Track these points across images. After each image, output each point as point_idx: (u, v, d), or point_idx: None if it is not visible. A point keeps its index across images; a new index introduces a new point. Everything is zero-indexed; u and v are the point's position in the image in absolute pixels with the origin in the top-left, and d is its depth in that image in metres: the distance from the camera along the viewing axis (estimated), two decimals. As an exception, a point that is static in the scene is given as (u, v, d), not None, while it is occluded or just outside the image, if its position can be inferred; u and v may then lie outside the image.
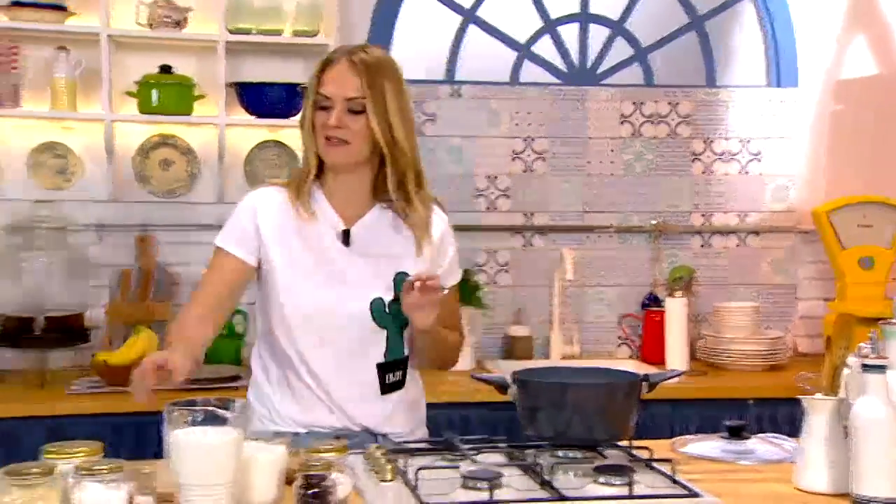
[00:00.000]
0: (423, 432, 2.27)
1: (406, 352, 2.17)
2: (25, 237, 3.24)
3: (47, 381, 3.04)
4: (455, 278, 2.27)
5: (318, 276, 2.08)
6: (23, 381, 3.07)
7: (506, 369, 3.27)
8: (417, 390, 2.27)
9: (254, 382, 2.21)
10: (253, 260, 2.09)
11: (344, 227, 2.10)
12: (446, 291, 2.14)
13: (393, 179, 2.09)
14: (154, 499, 1.64)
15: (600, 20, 3.77)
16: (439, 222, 2.20)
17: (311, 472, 1.68)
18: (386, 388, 2.14)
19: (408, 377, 2.20)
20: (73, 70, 3.20)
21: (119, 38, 3.26)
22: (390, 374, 2.14)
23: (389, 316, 2.10)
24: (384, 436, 2.16)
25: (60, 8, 3.15)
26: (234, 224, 2.11)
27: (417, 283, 1.96)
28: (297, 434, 2.07)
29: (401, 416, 2.19)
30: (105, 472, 1.60)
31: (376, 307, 2.09)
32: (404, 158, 2.08)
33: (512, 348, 3.64)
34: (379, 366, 2.12)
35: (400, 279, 2.07)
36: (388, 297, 2.09)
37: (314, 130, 2.07)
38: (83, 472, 1.61)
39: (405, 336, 2.15)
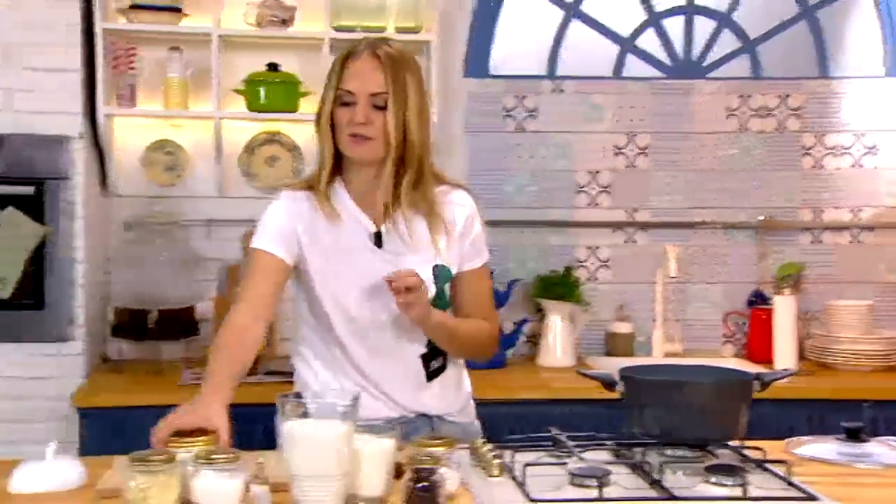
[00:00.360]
0: (471, 408, 2.28)
1: None
2: (139, 233, 3.35)
3: (160, 371, 3.14)
4: (480, 259, 2.20)
5: (355, 277, 2.06)
6: (138, 372, 3.18)
7: (607, 366, 3.25)
8: (457, 370, 2.24)
9: (300, 381, 2.20)
10: (290, 259, 2.06)
11: (374, 230, 2.07)
12: (458, 273, 2.13)
13: (392, 175, 2.04)
14: (268, 489, 1.67)
15: (707, 12, 3.69)
16: (462, 208, 2.15)
17: (421, 467, 1.69)
18: (430, 376, 2.15)
19: (448, 359, 2.19)
20: (185, 69, 3.30)
21: (228, 38, 3.34)
22: (433, 362, 2.14)
23: (435, 306, 2.08)
24: (439, 417, 2.18)
25: (175, 10, 3.25)
26: (270, 226, 2.07)
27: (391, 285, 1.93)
28: None
29: (449, 396, 2.20)
30: (222, 461, 1.65)
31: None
32: (411, 159, 2.03)
33: (613, 345, 3.61)
34: (422, 356, 2.12)
35: (441, 272, 2.08)
36: (429, 292, 2.04)
37: (333, 126, 2.02)
38: (201, 461, 1.65)
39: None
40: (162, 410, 2.85)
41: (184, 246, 3.33)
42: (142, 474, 1.61)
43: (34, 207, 3.06)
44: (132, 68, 3.27)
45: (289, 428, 1.68)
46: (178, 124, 3.43)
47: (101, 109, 3.18)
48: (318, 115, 2.05)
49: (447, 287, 2.13)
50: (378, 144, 2.01)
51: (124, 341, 3.23)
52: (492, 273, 3.25)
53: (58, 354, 3.09)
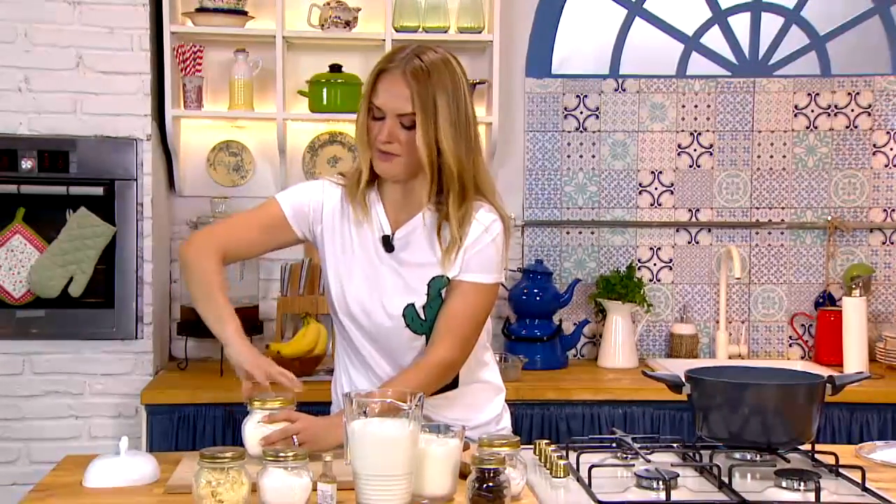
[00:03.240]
0: (490, 429, 2.14)
1: None
2: (204, 232, 3.40)
3: (225, 369, 3.18)
4: (482, 276, 2.05)
5: (362, 278, 2.05)
6: (202, 370, 3.23)
7: (669, 368, 3.22)
8: (478, 392, 2.15)
9: (334, 380, 2.23)
10: (299, 233, 2.07)
11: (385, 233, 2.05)
12: (458, 281, 2.03)
13: (433, 191, 2.00)
14: (334, 487, 1.68)
15: (774, 8, 3.63)
16: (479, 224, 2.03)
17: (486, 467, 1.69)
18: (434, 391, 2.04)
19: (464, 378, 2.09)
20: (251, 71, 3.34)
21: (292, 40, 3.37)
22: None
23: (426, 322, 2.04)
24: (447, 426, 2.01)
25: (241, 12, 3.29)
26: (300, 192, 2.09)
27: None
28: None
29: (458, 411, 2.09)
30: (290, 459, 1.67)
31: (408, 314, 2.04)
32: (449, 174, 1.97)
33: (675, 346, 3.57)
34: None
35: (434, 283, 2.03)
36: (420, 303, 2.03)
37: (368, 137, 1.99)
38: (269, 459, 1.68)
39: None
40: (226, 408, 2.94)
41: (248, 246, 3.37)
42: (211, 471, 1.64)
43: (104, 208, 3.13)
44: (199, 70, 3.32)
45: (354, 427, 1.69)
46: (243, 125, 3.48)
47: (169, 111, 3.23)
48: (358, 125, 2.02)
49: (443, 293, 2.05)
50: (403, 162, 1.97)
51: (190, 339, 3.28)
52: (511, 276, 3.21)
53: (127, 352, 3.15)
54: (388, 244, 2.04)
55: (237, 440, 2.34)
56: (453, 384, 2.10)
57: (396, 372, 2.06)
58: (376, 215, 2.06)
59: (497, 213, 2.07)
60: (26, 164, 3.09)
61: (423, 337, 2.06)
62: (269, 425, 1.94)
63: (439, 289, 2.03)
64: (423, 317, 2.04)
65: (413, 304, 2.03)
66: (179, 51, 3.29)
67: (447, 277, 2.03)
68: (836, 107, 3.61)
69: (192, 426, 2.97)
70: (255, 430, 1.95)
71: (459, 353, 2.05)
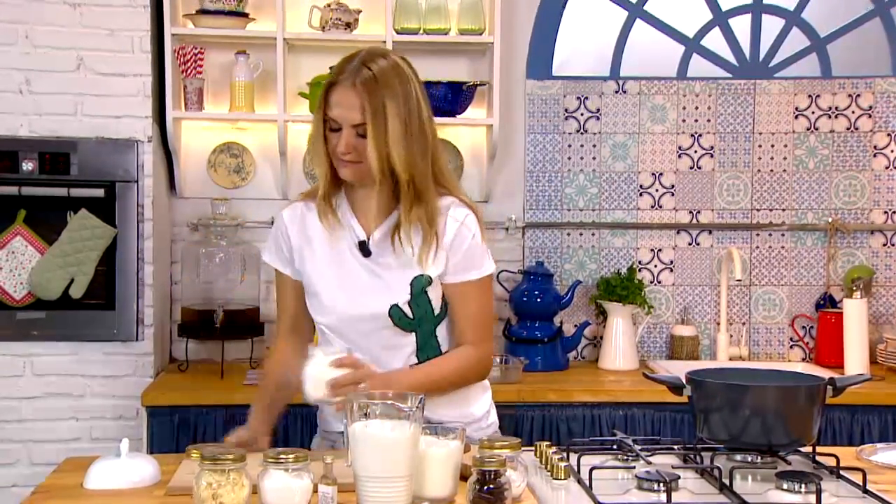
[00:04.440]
0: (477, 429, 2.17)
1: (444, 348, 2.13)
2: (205, 234, 3.40)
3: (225, 371, 3.18)
4: (477, 272, 2.12)
5: (341, 284, 2.09)
6: (203, 371, 3.23)
7: (670, 369, 3.22)
8: (468, 389, 2.18)
9: None
10: (293, 273, 2.17)
11: (360, 238, 2.09)
12: (450, 284, 2.09)
13: (392, 195, 2.06)
14: (335, 489, 1.68)
15: (775, 10, 3.63)
16: (455, 222, 2.09)
17: (486, 469, 1.69)
18: None
19: None
20: (252, 73, 3.34)
21: (293, 41, 3.38)
22: None
23: (414, 320, 2.08)
24: (440, 423, 1.98)
25: (242, 14, 3.30)
26: (273, 243, 2.19)
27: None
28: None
29: (442, 409, 2.09)
30: (290, 461, 1.67)
31: (394, 314, 2.07)
32: (403, 182, 2.02)
33: (676, 348, 3.57)
34: (411, 367, 2.10)
35: (417, 281, 2.07)
36: (403, 301, 2.06)
37: (327, 147, 2.04)
38: (269, 461, 1.67)
39: (440, 334, 2.12)
40: (227, 410, 2.94)
41: (248, 247, 3.37)
42: (212, 473, 1.64)
43: (105, 209, 3.13)
44: (200, 72, 3.32)
45: (355, 429, 1.69)
46: (244, 127, 3.48)
47: (170, 113, 3.24)
48: (311, 136, 2.08)
49: (434, 295, 2.09)
50: (366, 167, 2.01)
51: (191, 341, 3.28)
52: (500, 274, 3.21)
53: (127, 354, 3.15)
54: (364, 249, 2.09)
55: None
56: None
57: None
58: (348, 222, 2.11)
59: (466, 205, 2.13)
60: (27, 165, 3.10)
61: (413, 334, 2.09)
62: (334, 369, 1.94)
63: (422, 286, 2.07)
64: (410, 315, 2.07)
65: (397, 304, 2.06)
66: (180, 52, 3.29)
67: (429, 276, 2.07)
68: (836, 108, 3.61)
69: (192, 428, 2.97)
70: (321, 372, 1.93)
71: (491, 351, 2.19)
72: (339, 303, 2.09)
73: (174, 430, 2.96)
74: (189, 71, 3.30)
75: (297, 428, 2.90)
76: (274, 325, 3.34)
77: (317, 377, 1.93)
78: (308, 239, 2.13)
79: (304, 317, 2.19)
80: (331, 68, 3.29)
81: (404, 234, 2.05)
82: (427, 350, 2.11)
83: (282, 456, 1.67)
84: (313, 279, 2.12)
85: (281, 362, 2.18)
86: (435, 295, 2.10)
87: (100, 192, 3.12)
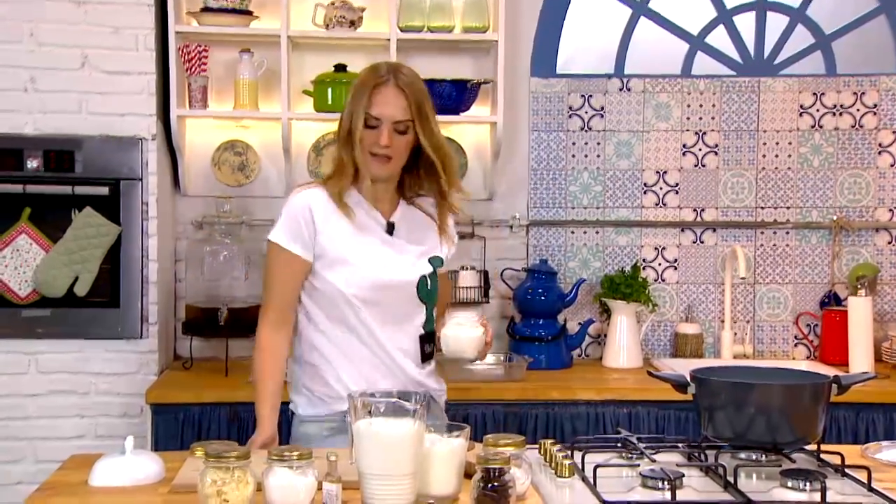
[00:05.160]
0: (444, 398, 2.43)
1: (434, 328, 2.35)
2: (209, 232, 3.40)
3: (229, 369, 3.18)
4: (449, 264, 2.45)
5: (374, 256, 2.25)
6: (208, 369, 3.24)
7: (674, 367, 3.21)
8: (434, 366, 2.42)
9: (304, 366, 2.31)
10: (311, 256, 2.24)
11: (386, 221, 2.28)
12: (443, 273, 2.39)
13: (438, 182, 2.29)
14: (340, 486, 1.68)
15: (779, 8, 3.62)
16: (453, 224, 2.40)
17: (491, 467, 1.69)
18: (424, 357, 2.30)
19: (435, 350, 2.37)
20: (256, 71, 3.34)
21: (297, 39, 3.38)
22: (427, 345, 2.31)
23: (429, 292, 2.29)
24: (433, 398, 2.32)
25: (245, 12, 3.30)
26: (292, 223, 2.24)
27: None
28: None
29: (436, 382, 2.36)
30: (294, 458, 1.67)
31: (422, 284, 2.27)
32: (450, 164, 2.29)
33: (680, 346, 3.56)
34: (421, 336, 2.29)
35: (434, 260, 2.31)
36: (428, 274, 2.29)
37: (356, 144, 2.22)
38: (274, 458, 1.68)
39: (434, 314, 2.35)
40: (231, 407, 2.94)
41: (252, 245, 3.37)
42: (216, 470, 1.64)
43: (110, 207, 3.13)
44: (204, 70, 3.32)
45: (359, 427, 1.69)
46: (248, 125, 3.48)
47: (174, 111, 3.24)
48: (343, 132, 2.26)
49: (437, 272, 2.34)
50: (395, 164, 2.25)
51: (195, 339, 3.29)
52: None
53: (132, 351, 3.16)
54: (391, 229, 2.28)
55: (242, 439, 2.36)
56: (433, 354, 2.34)
57: (399, 349, 2.26)
58: (362, 208, 2.27)
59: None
60: (32, 163, 3.10)
61: (425, 307, 2.29)
62: (481, 327, 2.23)
63: (437, 266, 2.32)
64: (429, 287, 2.29)
65: (425, 276, 2.28)
66: (184, 50, 3.29)
67: (441, 258, 2.33)
68: (841, 106, 3.60)
69: (197, 425, 2.98)
70: (475, 332, 2.21)
71: None
72: (374, 270, 2.23)
73: (178, 427, 2.96)
74: (193, 69, 3.30)
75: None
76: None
77: (479, 337, 2.22)
78: (333, 217, 2.24)
79: (294, 305, 2.28)
80: (335, 66, 3.35)
81: (425, 216, 2.32)
82: (430, 323, 2.31)
83: (286, 453, 1.67)
84: (344, 252, 2.23)
85: (278, 359, 2.28)
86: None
87: (104, 190, 3.13)
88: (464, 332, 2.24)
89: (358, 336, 2.24)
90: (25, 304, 3.12)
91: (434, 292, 2.31)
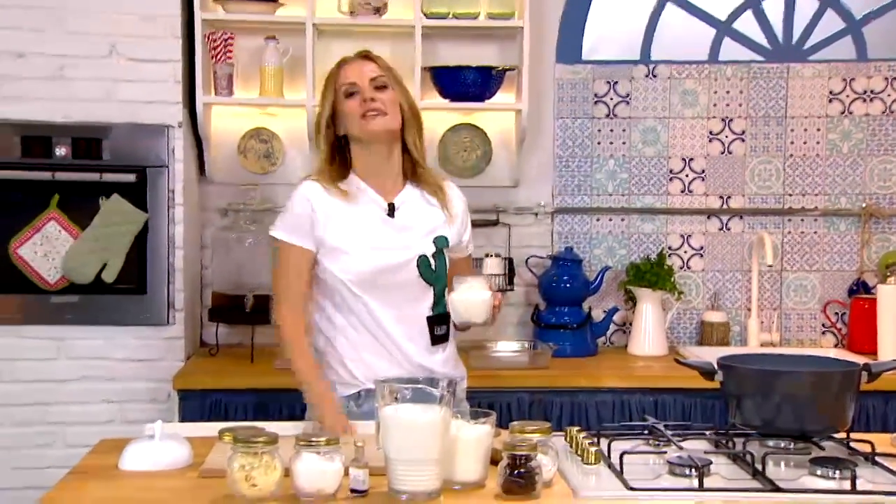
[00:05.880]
0: (464, 386, 2.41)
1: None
2: (235, 219, 3.41)
3: (255, 356, 3.20)
4: (469, 251, 2.47)
5: (371, 242, 2.26)
6: (233, 356, 3.26)
7: (700, 355, 3.19)
8: (454, 350, 2.41)
9: (314, 350, 2.34)
10: (312, 245, 2.27)
11: (387, 202, 2.29)
12: (453, 259, 2.35)
13: (419, 149, 2.32)
14: (366, 472, 1.69)
15: (808, -8, 3.59)
16: (460, 201, 2.40)
17: (517, 453, 1.69)
18: (434, 340, 2.30)
19: (450, 334, 2.36)
20: (281, 58, 3.35)
21: (322, 26, 3.38)
22: (437, 328, 2.30)
23: (435, 273, 2.28)
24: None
25: (271, 0, 3.30)
26: (294, 217, 2.28)
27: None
28: (368, 390, 2.23)
29: (450, 366, 2.34)
30: (322, 444, 1.68)
31: (422, 263, 2.27)
32: (417, 135, 2.32)
33: (706, 334, 3.54)
34: (428, 318, 2.29)
35: (439, 240, 2.31)
36: (430, 254, 2.29)
37: (336, 121, 2.28)
38: (301, 444, 1.68)
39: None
40: (256, 393, 2.95)
41: (278, 232, 3.37)
42: (245, 455, 1.65)
43: (137, 194, 3.15)
44: (230, 58, 3.33)
45: (386, 413, 1.69)
46: (273, 112, 3.49)
47: (200, 99, 3.25)
48: (318, 122, 2.33)
49: (446, 252, 2.33)
50: (390, 117, 2.26)
51: (221, 325, 3.30)
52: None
53: (159, 338, 3.18)
54: (391, 210, 2.29)
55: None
56: (446, 337, 2.33)
57: (404, 335, 2.26)
58: (363, 192, 2.29)
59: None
60: (61, 151, 3.12)
61: (432, 289, 2.28)
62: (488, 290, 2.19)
63: (442, 246, 2.31)
64: (433, 267, 2.28)
65: (425, 255, 2.28)
66: (210, 38, 3.30)
67: (446, 237, 2.32)
68: (872, 92, 3.56)
69: (223, 411, 2.99)
70: (484, 295, 2.17)
71: None
72: (370, 255, 2.24)
73: (205, 413, 2.98)
74: (219, 56, 3.31)
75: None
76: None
77: (487, 300, 2.17)
78: (332, 206, 2.26)
79: (305, 297, 2.29)
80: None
81: (429, 196, 2.33)
82: (440, 305, 2.29)
83: (314, 439, 1.68)
84: (340, 239, 2.25)
85: (304, 347, 2.28)
86: (448, 257, 2.33)
87: (131, 178, 3.15)
88: (472, 295, 2.18)
89: (362, 323, 2.26)
90: (54, 290, 3.15)
91: (442, 273, 2.30)
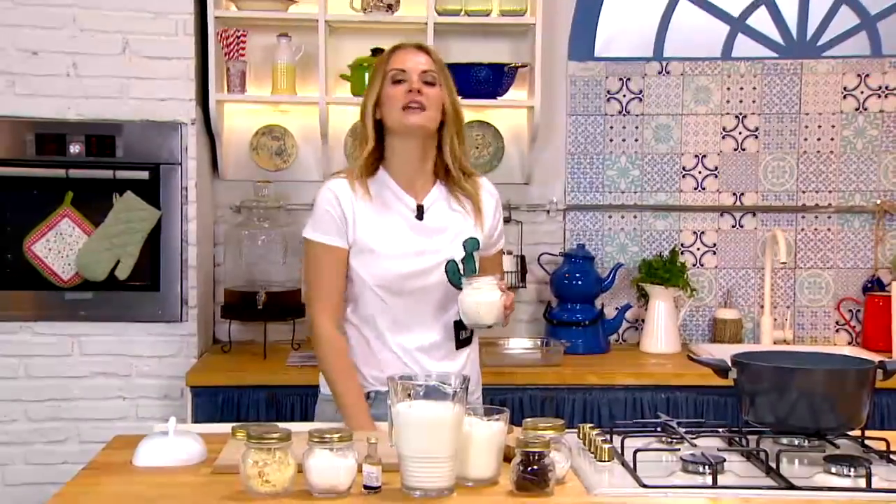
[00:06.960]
0: (480, 391, 2.41)
1: None
2: (247, 216, 3.42)
3: (268, 352, 3.21)
4: (500, 245, 2.43)
5: (400, 245, 2.22)
6: (246, 352, 3.26)
7: (713, 353, 3.19)
8: (477, 351, 2.41)
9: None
10: (346, 244, 2.24)
11: (416, 204, 2.26)
12: (483, 255, 2.33)
13: (454, 151, 2.26)
14: (380, 468, 1.69)
15: (823, -12, 3.57)
16: (491, 197, 2.36)
17: (530, 450, 1.69)
18: (459, 344, 2.29)
19: (474, 335, 2.35)
20: (294, 55, 3.35)
21: (335, 24, 3.38)
22: (462, 332, 2.28)
23: (463, 277, 2.23)
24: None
25: (284, -4, 3.31)
26: (324, 216, 2.25)
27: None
28: (378, 392, 2.24)
29: (469, 371, 2.29)
30: (335, 440, 1.68)
31: (451, 268, 2.24)
32: (458, 135, 2.26)
33: (719, 332, 3.53)
34: (456, 322, 2.26)
35: (469, 243, 2.27)
36: (459, 258, 2.26)
37: (379, 106, 2.22)
38: (315, 440, 1.68)
39: None
40: (269, 390, 2.96)
41: (290, 229, 3.39)
42: (258, 451, 1.65)
43: (150, 191, 3.16)
44: (242, 55, 3.33)
45: (399, 409, 1.69)
46: (285, 109, 3.49)
47: (213, 96, 3.26)
48: (364, 109, 2.26)
49: (475, 255, 2.30)
50: (430, 114, 2.21)
51: (233, 322, 3.31)
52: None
53: (172, 334, 3.19)
54: (420, 212, 2.25)
55: (280, 421, 2.37)
56: (469, 340, 2.32)
57: (419, 347, 2.24)
58: (392, 192, 2.26)
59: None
60: (74, 148, 3.14)
61: (449, 305, 2.24)
62: (500, 291, 2.15)
63: (473, 248, 2.28)
64: (462, 272, 2.25)
65: (454, 260, 2.25)
66: (223, 35, 3.30)
67: (477, 239, 2.29)
68: (886, 88, 3.54)
69: (236, 408, 3.00)
70: (494, 297, 2.13)
71: None
72: (398, 258, 2.21)
73: (218, 410, 2.98)
74: (232, 54, 3.32)
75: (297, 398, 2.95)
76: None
77: (496, 302, 2.14)
78: (359, 206, 2.23)
79: (341, 295, 2.27)
80: (372, 51, 3.35)
81: (460, 199, 2.28)
82: None
83: (327, 435, 1.68)
84: (370, 239, 2.22)
85: (347, 352, 2.25)
86: (478, 260, 2.30)
87: (144, 175, 3.16)
88: (482, 296, 2.15)
89: (378, 335, 2.24)
90: (68, 287, 3.16)
91: (470, 268, 2.26)
